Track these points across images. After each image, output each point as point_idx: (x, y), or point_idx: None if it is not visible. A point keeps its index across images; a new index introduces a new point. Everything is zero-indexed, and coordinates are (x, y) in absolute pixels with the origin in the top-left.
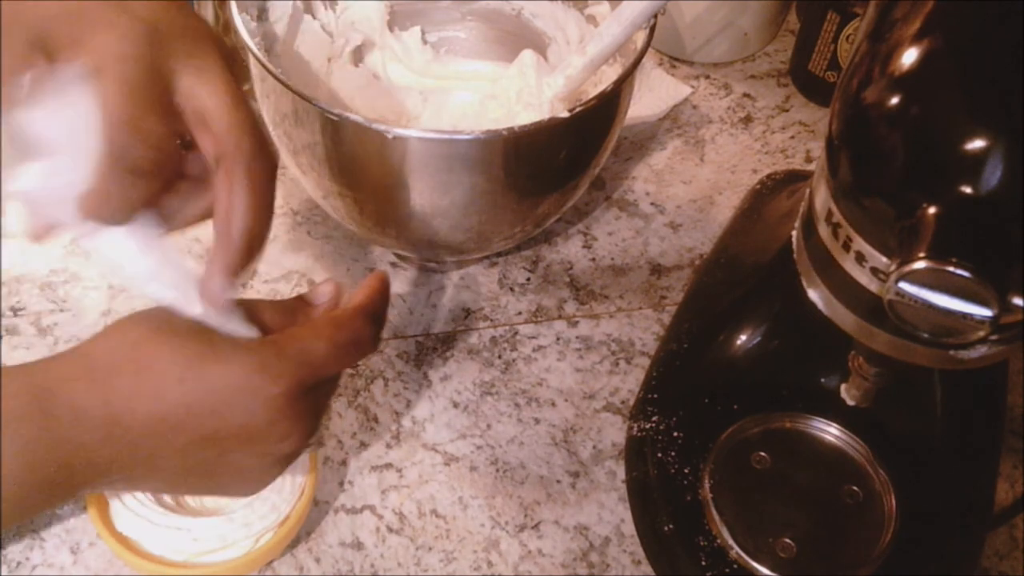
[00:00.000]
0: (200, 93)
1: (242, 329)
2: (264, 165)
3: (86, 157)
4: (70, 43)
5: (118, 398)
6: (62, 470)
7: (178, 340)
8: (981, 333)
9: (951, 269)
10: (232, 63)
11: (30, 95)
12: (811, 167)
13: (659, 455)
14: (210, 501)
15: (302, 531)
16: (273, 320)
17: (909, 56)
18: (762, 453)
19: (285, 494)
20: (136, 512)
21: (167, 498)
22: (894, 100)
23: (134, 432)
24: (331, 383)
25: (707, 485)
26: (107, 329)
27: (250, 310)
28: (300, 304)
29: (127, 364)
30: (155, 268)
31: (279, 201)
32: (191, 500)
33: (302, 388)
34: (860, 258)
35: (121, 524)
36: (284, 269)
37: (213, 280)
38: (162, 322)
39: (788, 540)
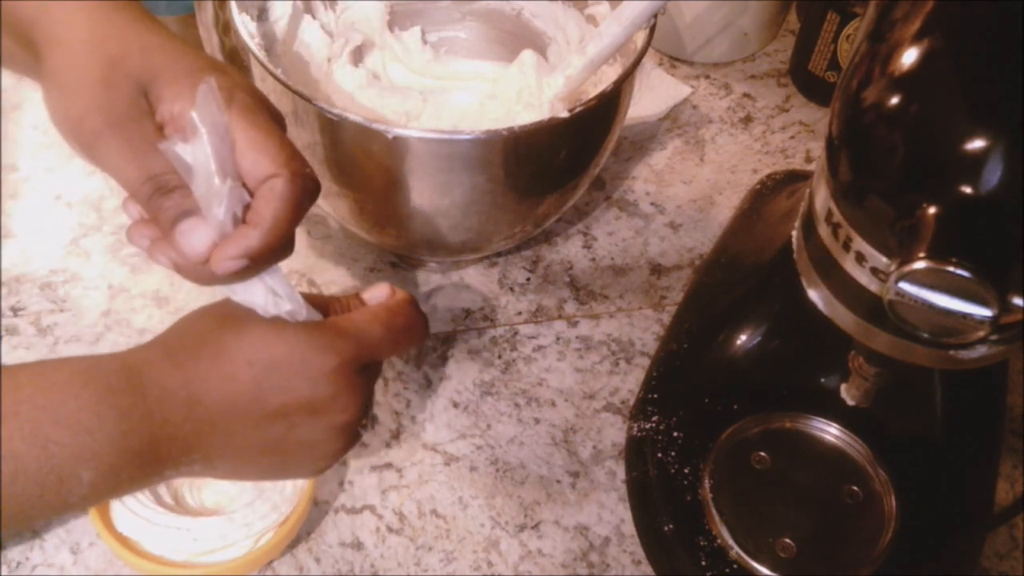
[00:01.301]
0: (257, 135)
1: (311, 315)
2: (305, 183)
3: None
4: (173, 95)
5: (196, 379)
6: (151, 443)
7: (246, 327)
8: (981, 333)
9: (951, 269)
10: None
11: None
12: (811, 167)
13: (659, 455)
14: (210, 501)
15: (302, 531)
16: (333, 310)
17: (909, 56)
18: (762, 453)
19: (286, 494)
20: (136, 512)
21: (167, 498)
22: (894, 100)
23: (212, 410)
24: (379, 366)
25: (707, 485)
26: (181, 320)
27: (312, 301)
28: (356, 301)
29: (203, 349)
30: (267, 283)
31: None
32: (191, 500)
33: (358, 363)
34: (860, 258)
35: (121, 524)
36: (284, 269)
37: (227, 250)
38: (230, 312)
39: (788, 540)
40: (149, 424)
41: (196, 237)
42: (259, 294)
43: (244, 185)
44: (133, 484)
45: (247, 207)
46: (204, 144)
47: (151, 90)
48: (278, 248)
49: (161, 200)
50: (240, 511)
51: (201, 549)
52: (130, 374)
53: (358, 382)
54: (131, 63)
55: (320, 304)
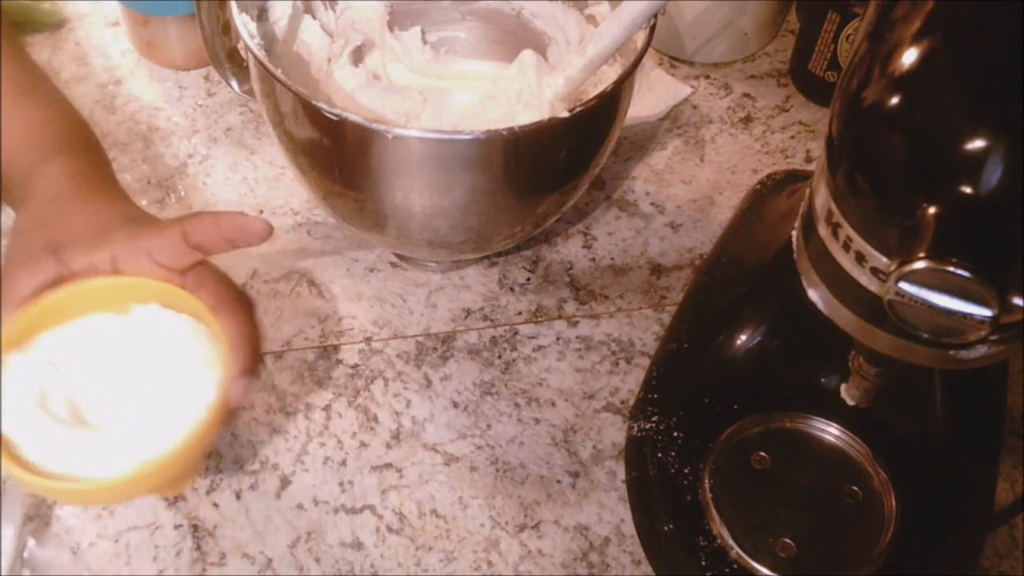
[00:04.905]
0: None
1: None
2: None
3: None
4: (84, 255)
5: None
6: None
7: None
8: (981, 333)
9: (951, 269)
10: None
11: None
12: (811, 167)
13: (659, 455)
14: (102, 416)
15: (302, 531)
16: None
17: (909, 56)
18: (762, 453)
19: (185, 416)
20: (27, 419)
21: (61, 410)
22: (894, 100)
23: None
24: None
25: (707, 485)
26: None
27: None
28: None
29: None
30: None
31: (279, 201)
32: (85, 413)
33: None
34: (860, 258)
35: (8, 426)
36: (284, 269)
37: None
38: None
39: (788, 540)
40: None
41: None
42: None
43: None
44: None
45: None
46: None
47: (65, 251)
48: None
49: None
50: (130, 428)
51: (88, 462)
52: None
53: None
54: (51, 224)
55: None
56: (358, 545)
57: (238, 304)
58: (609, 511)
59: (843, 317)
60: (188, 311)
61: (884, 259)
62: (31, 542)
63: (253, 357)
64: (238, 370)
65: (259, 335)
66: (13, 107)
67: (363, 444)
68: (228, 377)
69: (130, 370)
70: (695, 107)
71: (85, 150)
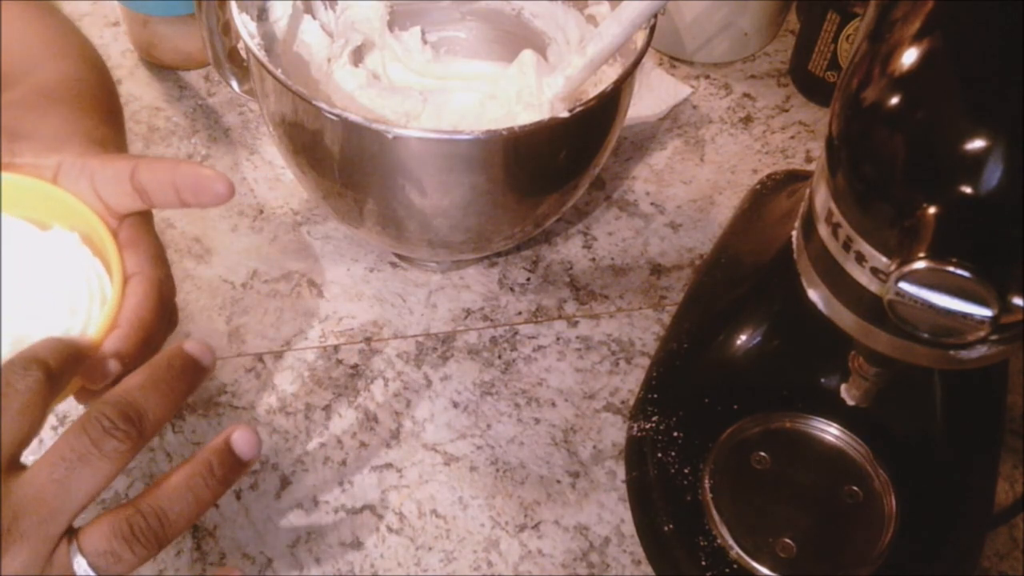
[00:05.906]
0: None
1: None
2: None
3: None
4: (34, 154)
5: None
6: None
7: None
8: (981, 333)
9: (951, 269)
10: None
11: None
12: (811, 167)
13: (659, 455)
14: None
15: (302, 531)
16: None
17: (909, 56)
18: (762, 453)
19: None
20: None
21: None
22: (894, 100)
23: None
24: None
25: (707, 485)
26: None
27: None
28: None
29: None
30: None
31: (280, 201)
32: None
33: None
34: (860, 258)
35: None
36: (284, 269)
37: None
38: None
39: (788, 540)
40: None
41: None
42: None
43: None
44: None
45: None
46: None
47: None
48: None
49: None
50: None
51: None
52: None
53: None
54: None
55: None
56: (358, 545)
57: (154, 289)
58: (609, 511)
59: (843, 317)
60: (103, 259)
61: (884, 259)
62: None
63: (133, 344)
64: (110, 348)
65: (154, 334)
66: (35, 18)
67: (363, 444)
68: (94, 346)
69: (12, 285)
70: (695, 107)
71: (96, 72)
